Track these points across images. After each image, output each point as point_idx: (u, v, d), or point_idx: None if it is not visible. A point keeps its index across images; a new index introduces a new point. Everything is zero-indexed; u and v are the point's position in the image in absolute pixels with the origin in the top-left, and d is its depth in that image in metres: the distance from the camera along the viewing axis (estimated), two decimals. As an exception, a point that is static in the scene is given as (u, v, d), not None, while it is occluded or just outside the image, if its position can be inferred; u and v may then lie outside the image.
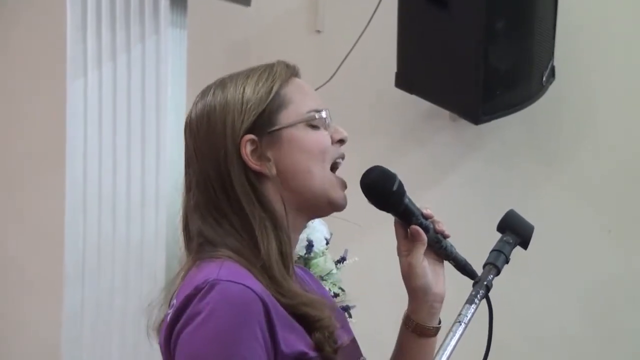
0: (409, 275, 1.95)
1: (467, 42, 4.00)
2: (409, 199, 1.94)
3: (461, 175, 4.38)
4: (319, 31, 4.49)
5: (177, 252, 3.57)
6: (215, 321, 1.74)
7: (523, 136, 4.35)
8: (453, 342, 1.74)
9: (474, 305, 1.81)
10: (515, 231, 1.96)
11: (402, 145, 4.28)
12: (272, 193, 1.88)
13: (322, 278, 3.25)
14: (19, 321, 4.62)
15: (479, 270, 1.93)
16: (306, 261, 3.23)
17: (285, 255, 1.87)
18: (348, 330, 1.97)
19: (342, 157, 1.94)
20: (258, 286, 1.78)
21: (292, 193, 1.89)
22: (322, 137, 1.91)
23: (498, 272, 1.90)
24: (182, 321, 1.76)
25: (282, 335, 1.78)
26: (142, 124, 3.57)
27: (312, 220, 2.51)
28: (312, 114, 1.91)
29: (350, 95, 4.15)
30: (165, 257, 3.56)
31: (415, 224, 1.93)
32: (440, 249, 1.96)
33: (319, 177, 1.90)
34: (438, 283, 1.96)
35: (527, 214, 1.99)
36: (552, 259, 4.11)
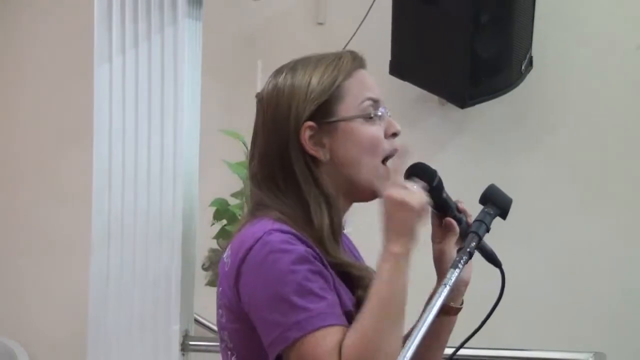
0: (440, 260, 1.96)
1: (455, 33, 4.02)
2: (447, 194, 1.96)
3: (449, 152, 4.40)
4: (320, 23, 4.49)
5: (192, 223, 3.60)
6: (278, 259, 1.78)
7: (504, 118, 4.38)
8: (439, 302, 1.74)
9: (457, 270, 1.80)
10: (495, 203, 1.96)
11: (395, 127, 4.28)
12: (326, 176, 1.88)
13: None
14: (51, 283, 4.62)
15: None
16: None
17: (335, 232, 1.88)
18: None
19: (396, 151, 1.93)
20: (308, 249, 1.81)
21: (342, 179, 1.90)
22: (375, 131, 1.91)
23: (480, 240, 1.89)
24: (245, 268, 1.81)
25: (337, 288, 1.83)
26: (161, 105, 3.57)
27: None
28: (368, 108, 1.91)
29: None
30: (182, 226, 3.56)
31: (450, 217, 1.95)
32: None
33: (368, 169, 1.90)
34: (465, 269, 1.91)
35: (507, 186, 2.00)
36: (530, 227, 4.12)
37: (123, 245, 3.58)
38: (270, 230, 1.80)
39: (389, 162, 1.93)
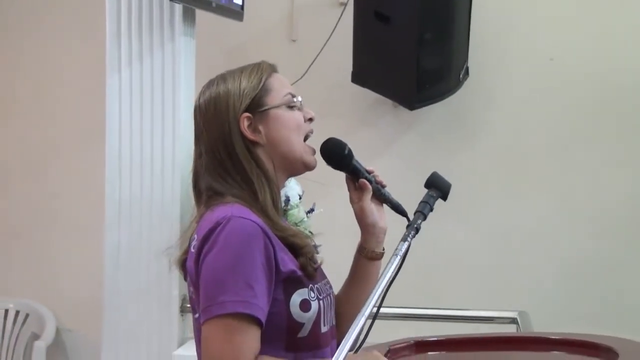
0: (361, 216, 1.98)
1: (405, 48, 4.03)
2: (357, 160, 1.98)
3: (400, 147, 4.43)
4: (294, 40, 4.48)
5: (188, 206, 3.59)
6: (231, 247, 1.76)
7: (445, 118, 4.40)
8: (392, 269, 1.74)
9: (406, 243, 1.81)
10: (437, 187, 1.97)
11: (357, 126, 4.31)
12: (264, 156, 1.91)
13: (296, 224, 3.25)
14: (72, 256, 4.61)
15: (409, 212, 1.94)
16: (284, 212, 3.22)
17: (275, 201, 1.90)
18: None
19: (312, 132, 1.98)
20: (260, 221, 1.80)
21: (278, 156, 1.92)
22: (297, 116, 1.95)
23: (425, 218, 1.90)
24: (206, 247, 1.78)
25: (280, 256, 1.81)
26: (162, 109, 3.56)
27: (289, 181, 2.56)
28: (290, 99, 1.94)
29: (318, 88, 4.15)
30: (180, 210, 3.55)
31: (362, 178, 1.97)
32: (380, 196, 1.99)
33: (297, 145, 1.93)
34: (382, 220, 1.99)
35: (447, 174, 2.01)
36: (466, 209, 4.14)
37: (131, 225, 3.56)
38: (231, 216, 1.78)
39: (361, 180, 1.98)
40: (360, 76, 4.20)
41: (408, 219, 1.92)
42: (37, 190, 4.70)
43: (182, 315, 3.59)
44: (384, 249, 2.02)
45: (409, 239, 1.83)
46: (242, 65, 1.98)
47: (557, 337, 2.10)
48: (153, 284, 3.57)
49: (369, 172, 1.99)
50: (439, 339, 2.11)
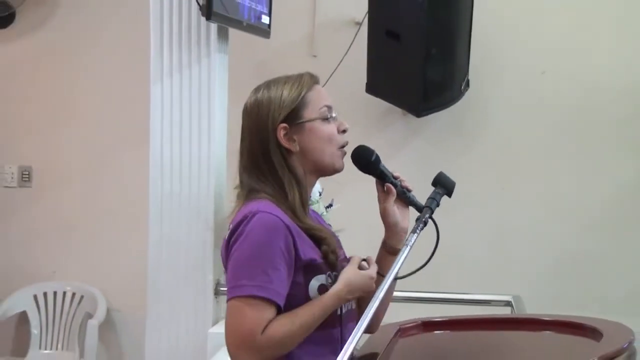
0: (384, 215, 1.96)
1: (413, 62, 4.03)
2: (384, 166, 1.97)
3: (409, 150, 4.42)
4: (314, 55, 4.48)
5: (221, 202, 3.59)
6: (254, 238, 1.77)
7: (449, 125, 4.40)
8: (402, 257, 1.73)
9: (415, 234, 1.80)
10: (443, 185, 1.95)
11: (370, 131, 4.29)
12: (297, 162, 1.90)
13: (317, 218, 3.23)
14: (121, 246, 4.62)
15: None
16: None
17: (303, 201, 1.90)
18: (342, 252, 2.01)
19: (346, 142, 1.95)
20: (283, 215, 1.81)
21: (310, 163, 1.91)
22: (331, 128, 1.92)
23: (432, 212, 1.89)
24: (234, 238, 1.80)
25: (300, 246, 1.82)
26: (199, 116, 3.55)
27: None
28: (325, 112, 1.92)
29: (335, 98, 4.05)
30: (214, 204, 3.54)
31: (388, 182, 1.95)
32: (405, 199, 1.97)
33: (329, 154, 1.91)
34: (404, 220, 1.97)
35: (450, 175, 1.99)
36: (467, 204, 4.13)
37: (171, 218, 3.55)
38: (257, 210, 1.79)
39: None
40: (373, 87, 4.20)
41: (434, 223, 1.90)
42: (90, 188, 4.72)
43: (216, 297, 3.58)
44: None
45: (418, 231, 1.81)
46: (287, 75, 1.96)
47: (547, 319, 2.09)
48: (190, 270, 3.56)
49: (395, 178, 1.97)
50: (443, 319, 2.11)
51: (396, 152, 4.36)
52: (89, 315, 4.56)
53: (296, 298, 1.80)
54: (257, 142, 1.89)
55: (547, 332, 2.05)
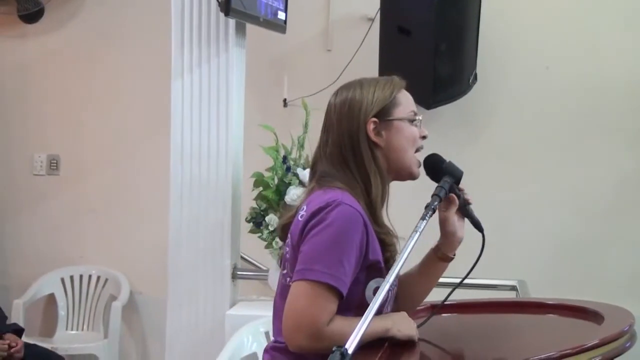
0: (443, 223, 1.96)
1: (423, 57, 4.02)
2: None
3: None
4: (329, 50, 4.47)
5: (238, 188, 3.59)
6: (335, 227, 1.75)
7: (457, 117, 4.39)
8: (411, 243, 1.69)
9: (424, 221, 1.76)
10: (452, 174, 1.94)
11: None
12: (381, 158, 1.90)
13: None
14: (143, 230, 4.63)
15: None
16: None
17: (384, 199, 1.90)
18: None
19: (422, 147, 1.97)
20: (363, 212, 1.80)
21: (392, 160, 1.91)
22: (415, 131, 1.94)
23: (441, 200, 1.87)
24: (314, 221, 1.77)
25: (372, 245, 1.81)
26: (217, 108, 3.54)
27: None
28: (412, 114, 1.94)
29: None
30: (232, 191, 3.53)
31: (452, 192, 1.93)
32: (464, 211, 1.98)
33: (409, 155, 1.92)
34: (460, 230, 1.98)
35: (458, 165, 1.99)
36: (473, 193, 4.07)
37: (191, 204, 3.55)
38: (341, 201, 1.77)
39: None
40: (384, 81, 4.18)
41: (483, 237, 1.93)
42: (114, 176, 4.74)
43: (233, 281, 3.58)
44: (454, 255, 2.01)
45: (427, 218, 1.78)
46: (377, 77, 1.96)
47: (551, 302, 2.09)
48: (209, 254, 3.56)
49: (460, 190, 1.95)
50: (451, 302, 2.09)
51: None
52: (113, 298, 4.58)
53: (354, 294, 1.78)
54: (346, 134, 1.87)
55: (551, 315, 2.05)
